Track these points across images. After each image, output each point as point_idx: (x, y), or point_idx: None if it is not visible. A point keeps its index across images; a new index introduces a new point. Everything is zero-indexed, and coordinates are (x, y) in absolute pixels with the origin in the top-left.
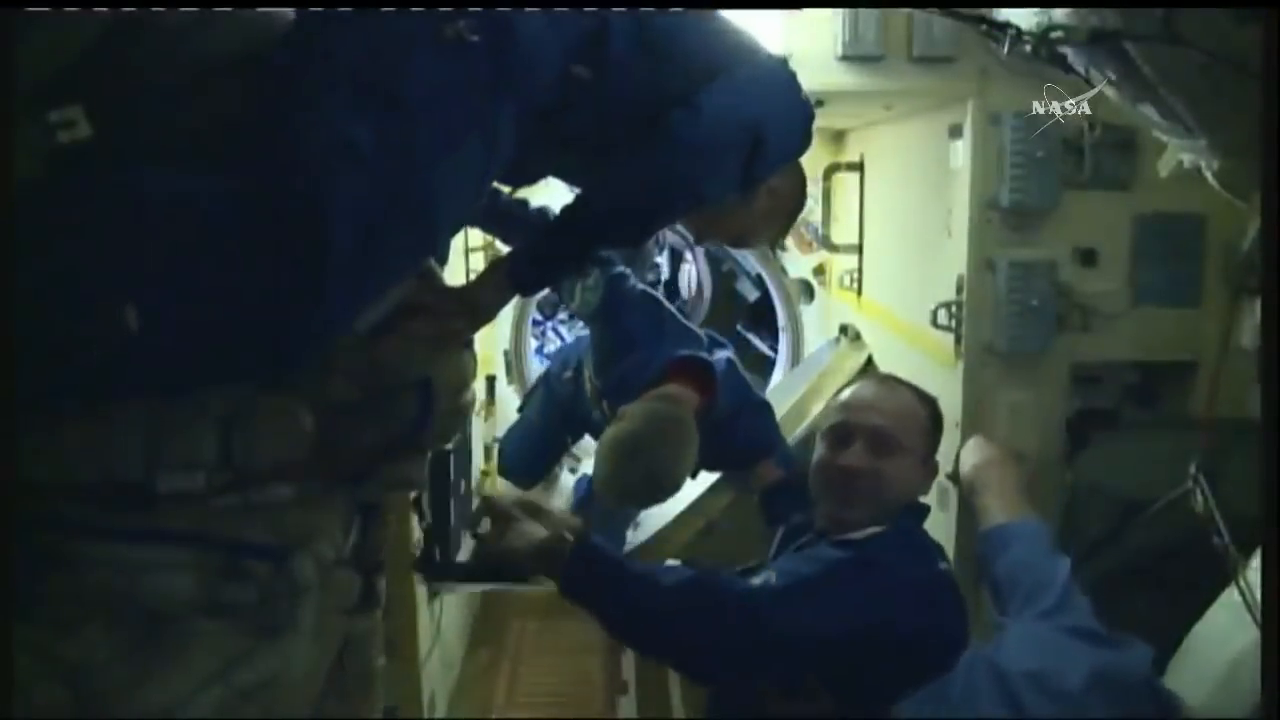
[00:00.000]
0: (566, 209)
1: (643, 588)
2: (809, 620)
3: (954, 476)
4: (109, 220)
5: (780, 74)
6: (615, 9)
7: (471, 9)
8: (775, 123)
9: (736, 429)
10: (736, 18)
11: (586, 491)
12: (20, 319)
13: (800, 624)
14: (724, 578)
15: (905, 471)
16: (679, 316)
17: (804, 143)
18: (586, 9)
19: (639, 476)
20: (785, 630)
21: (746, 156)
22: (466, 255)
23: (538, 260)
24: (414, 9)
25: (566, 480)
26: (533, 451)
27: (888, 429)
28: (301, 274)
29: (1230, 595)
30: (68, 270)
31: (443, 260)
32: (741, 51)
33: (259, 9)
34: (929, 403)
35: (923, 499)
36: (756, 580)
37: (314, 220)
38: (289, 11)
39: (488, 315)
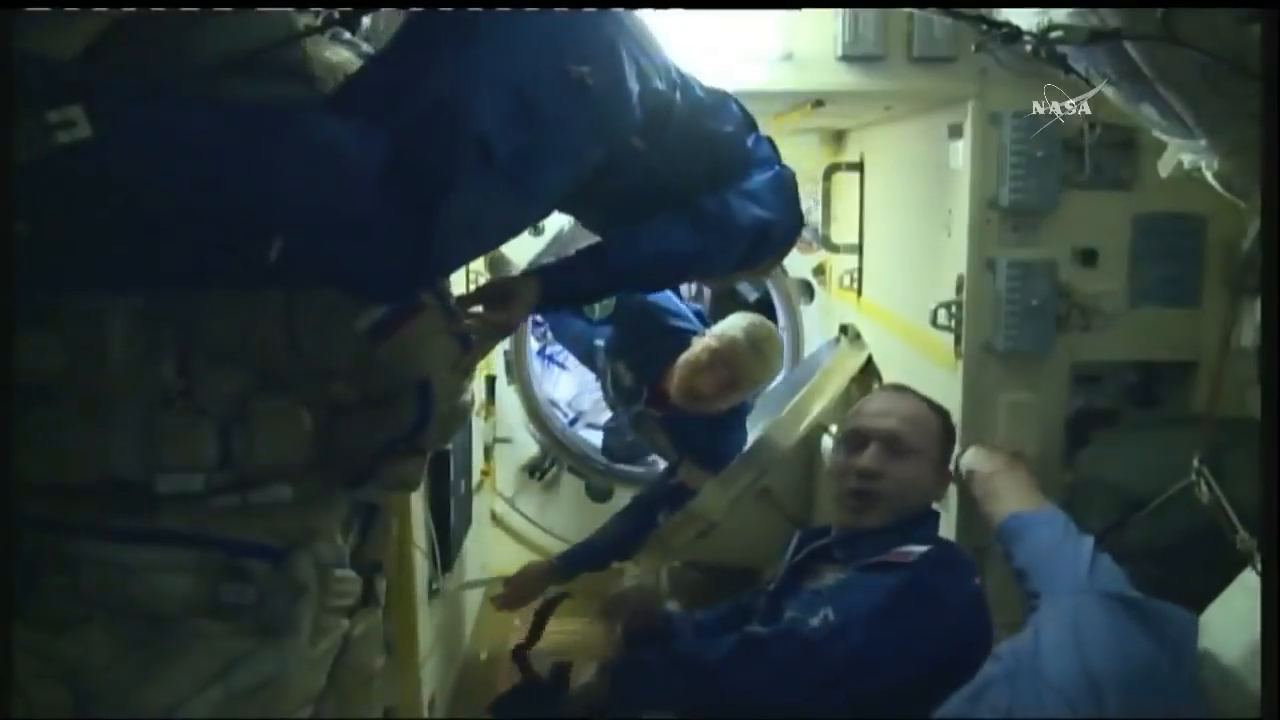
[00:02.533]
0: (598, 250)
1: (702, 670)
2: (874, 651)
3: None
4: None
5: (790, 184)
6: (664, 72)
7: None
8: (778, 225)
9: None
10: (738, 16)
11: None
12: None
13: (866, 655)
14: (777, 631)
15: (918, 474)
16: (676, 300)
17: (794, 240)
18: (653, 89)
19: (776, 352)
20: (853, 663)
21: (751, 247)
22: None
23: (565, 283)
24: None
25: (568, 480)
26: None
27: (900, 432)
28: (419, 231)
29: (1244, 581)
30: (224, 185)
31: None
32: (763, 159)
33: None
34: (940, 412)
35: (935, 505)
36: (814, 620)
37: (440, 190)
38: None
39: (513, 328)
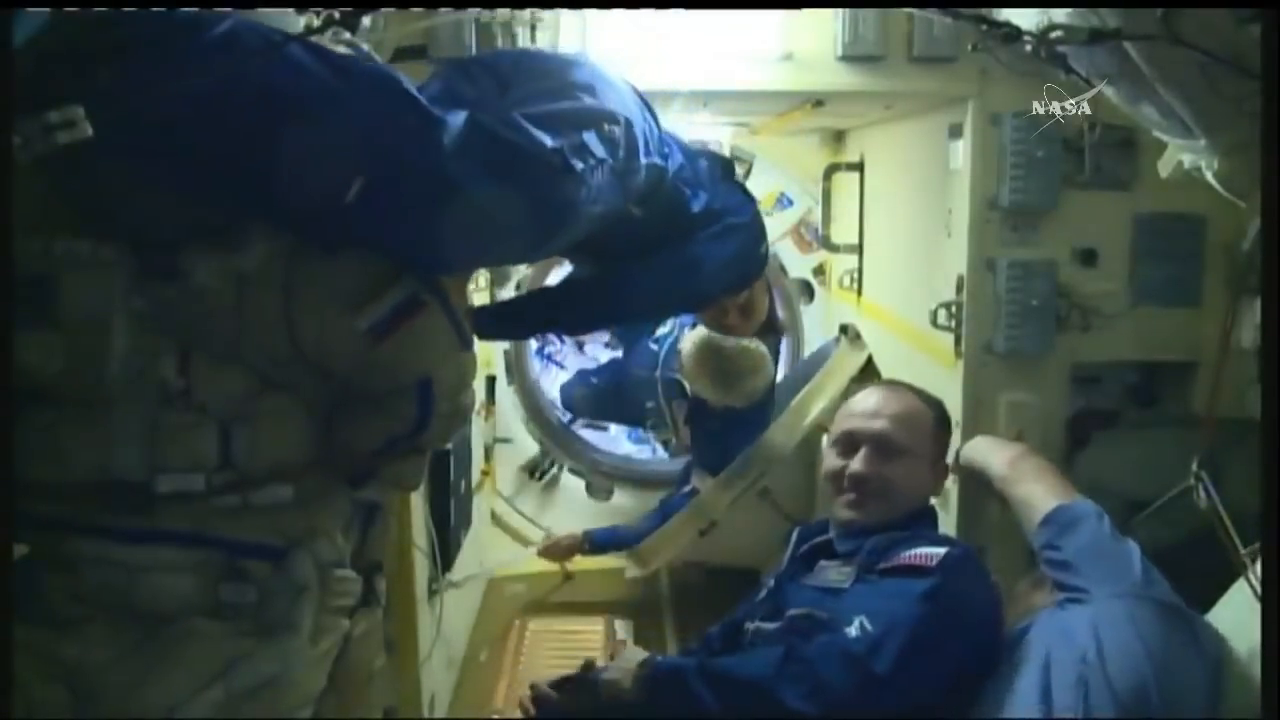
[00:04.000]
0: (551, 295)
1: (746, 683)
2: (917, 659)
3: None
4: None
5: (745, 236)
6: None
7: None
8: (745, 265)
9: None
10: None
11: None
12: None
13: (910, 664)
14: (816, 644)
15: (912, 474)
16: None
17: (745, 285)
18: (653, 162)
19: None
20: (897, 673)
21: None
22: None
23: (501, 319)
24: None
25: (567, 480)
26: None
27: (891, 434)
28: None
29: (1236, 592)
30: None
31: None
32: (735, 207)
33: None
34: (935, 405)
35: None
36: (851, 631)
37: (500, 180)
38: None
39: None
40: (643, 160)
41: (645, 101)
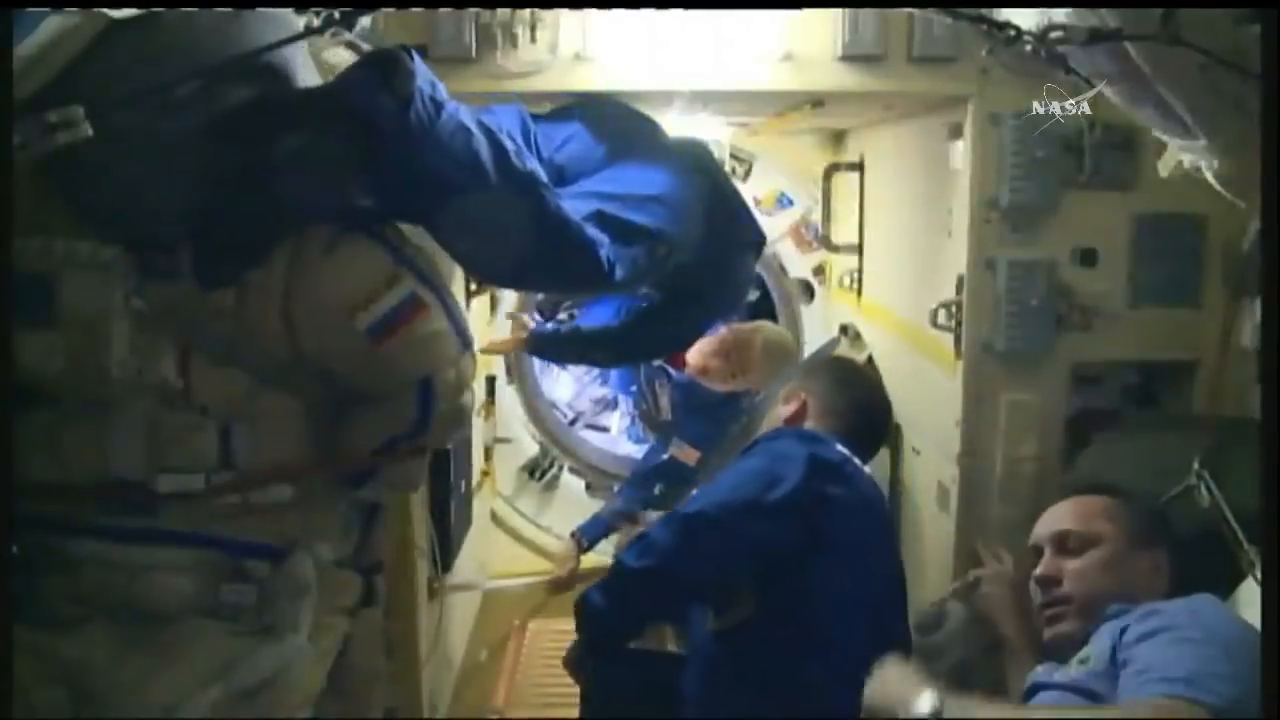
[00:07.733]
0: (593, 334)
1: (610, 573)
2: (733, 501)
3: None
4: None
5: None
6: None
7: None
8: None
9: None
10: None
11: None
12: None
13: (724, 506)
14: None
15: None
16: None
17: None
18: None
19: (783, 361)
20: (707, 511)
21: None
22: None
23: (555, 343)
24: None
25: (568, 480)
26: None
27: None
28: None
29: (1244, 592)
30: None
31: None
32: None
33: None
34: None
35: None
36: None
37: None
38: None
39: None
40: (669, 271)
41: (720, 191)
